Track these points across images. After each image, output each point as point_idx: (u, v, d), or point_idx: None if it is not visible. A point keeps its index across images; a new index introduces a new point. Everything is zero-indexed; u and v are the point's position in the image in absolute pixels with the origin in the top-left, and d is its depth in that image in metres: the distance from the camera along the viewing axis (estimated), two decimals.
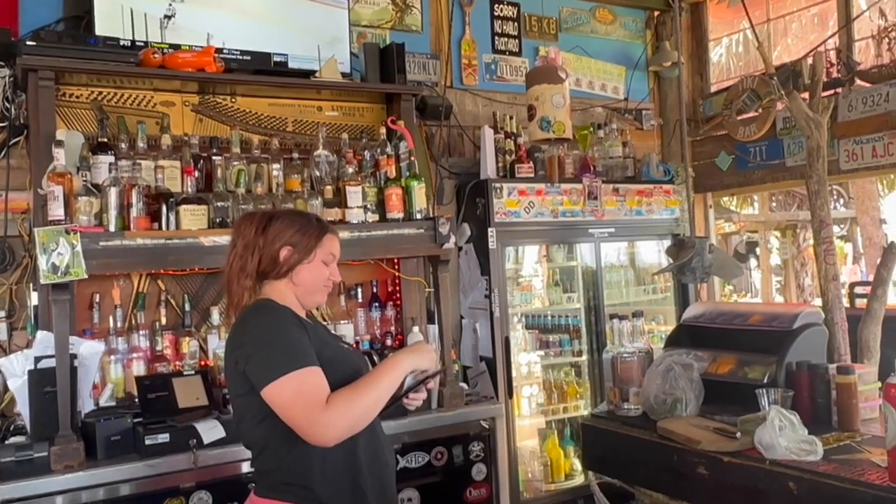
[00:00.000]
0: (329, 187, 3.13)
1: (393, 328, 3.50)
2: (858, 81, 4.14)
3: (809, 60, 4.08)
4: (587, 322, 4.27)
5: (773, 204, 9.79)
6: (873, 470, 1.95)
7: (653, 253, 4.69)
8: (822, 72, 3.12)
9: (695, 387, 2.59)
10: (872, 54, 4.16)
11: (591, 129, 4.40)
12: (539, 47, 4.53)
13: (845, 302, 3.46)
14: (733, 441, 2.24)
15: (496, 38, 4.44)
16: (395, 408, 1.82)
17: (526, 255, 4.36)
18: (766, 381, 2.53)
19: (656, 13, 5.02)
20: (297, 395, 1.63)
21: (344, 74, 3.48)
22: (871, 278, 3.24)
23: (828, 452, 2.11)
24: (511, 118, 4.12)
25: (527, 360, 4.09)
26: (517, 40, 4.50)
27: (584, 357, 4.25)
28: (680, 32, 4.62)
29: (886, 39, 4.09)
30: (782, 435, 2.12)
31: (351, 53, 3.60)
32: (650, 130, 4.96)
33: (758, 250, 9.44)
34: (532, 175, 3.94)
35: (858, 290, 3.87)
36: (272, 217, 1.84)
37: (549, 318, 4.34)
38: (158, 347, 2.98)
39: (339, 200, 3.10)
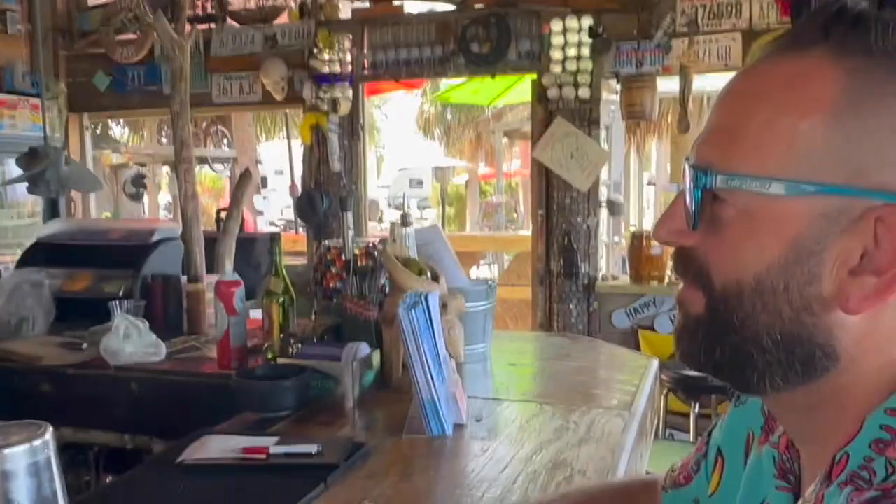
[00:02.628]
0: None
1: None
2: (230, 21, 4.43)
3: None
4: None
5: (164, 138, 9.92)
6: (209, 363, 2.15)
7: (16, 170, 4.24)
8: (187, 2, 3.22)
9: (44, 304, 2.44)
10: None
11: None
12: None
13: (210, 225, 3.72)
14: (80, 353, 2.20)
15: None
16: None
17: None
18: (122, 294, 2.54)
19: None
20: None
21: None
22: None
23: (173, 353, 2.24)
24: None
25: None
26: None
27: None
28: None
29: None
30: (128, 342, 2.15)
31: None
32: (16, 35, 4.42)
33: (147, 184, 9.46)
34: None
35: (223, 214, 4.21)
36: None
37: None
38: None
39: None
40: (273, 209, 14.31)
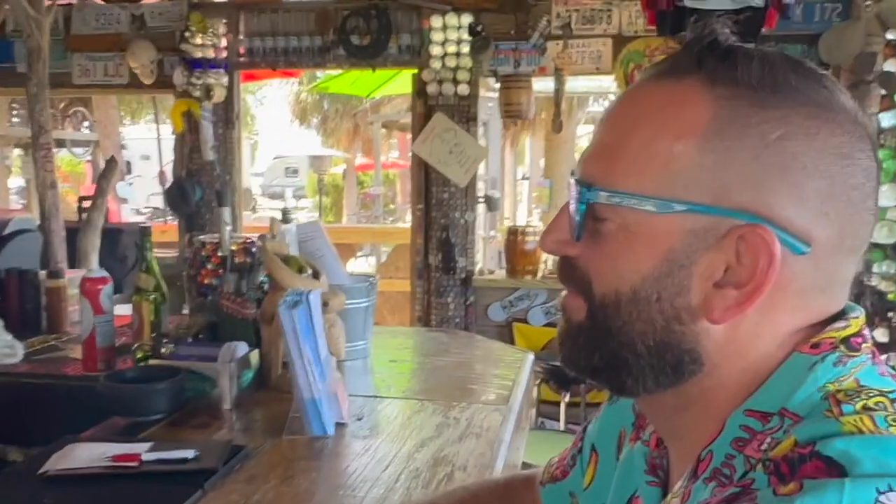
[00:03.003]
0: None
1: None
2: None
3: None
4: None
5: (16, 119, 9.21)
6: (72, 364, 2.03)
7: None
8: None
9: None
10: None
11: None
12: None
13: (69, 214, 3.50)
14: None
15: None
16: None
17: None
18: None
19: None
20: None
21: None
22: None
23: (31, 354, 2.10)
24: None
25: None
26: None
27: None
28: None
29: None
30: None
31: None
32: None
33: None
34: None
35: (85, 204, 3.97)
36: None
37: None
38: None
39: None
40: (138, 197, 13.60)
